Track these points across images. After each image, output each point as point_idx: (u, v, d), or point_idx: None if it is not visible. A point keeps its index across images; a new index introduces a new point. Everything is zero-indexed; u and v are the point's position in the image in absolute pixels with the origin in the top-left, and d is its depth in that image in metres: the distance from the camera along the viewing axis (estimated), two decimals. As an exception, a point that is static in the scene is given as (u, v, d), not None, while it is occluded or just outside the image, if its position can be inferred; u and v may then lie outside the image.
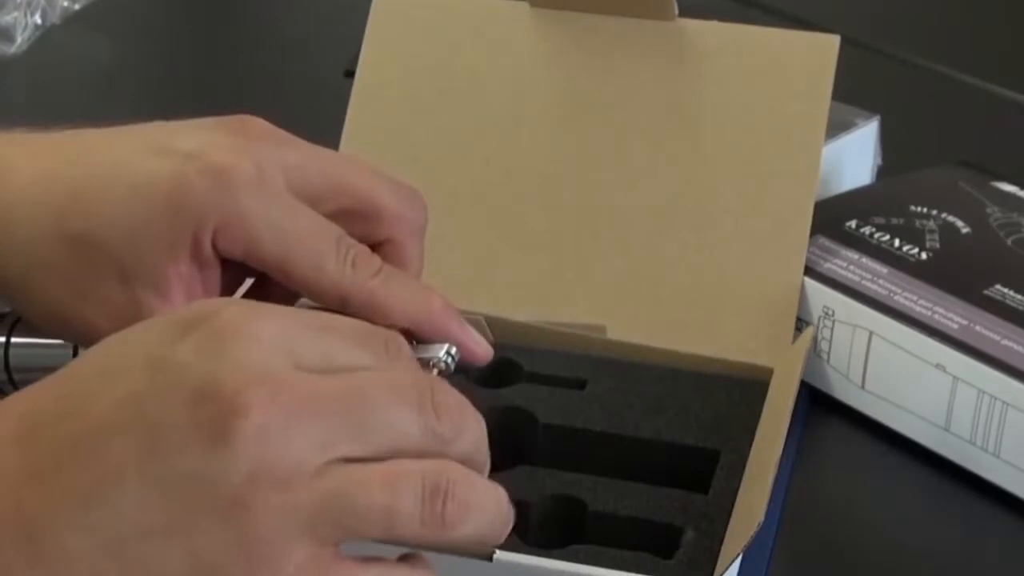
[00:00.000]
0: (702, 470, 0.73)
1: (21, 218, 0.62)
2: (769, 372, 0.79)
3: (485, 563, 0.63)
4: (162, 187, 0.61)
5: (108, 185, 0.61)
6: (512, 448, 0.75)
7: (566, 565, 0.65)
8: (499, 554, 0.63)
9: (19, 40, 1.19)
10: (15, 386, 0.66)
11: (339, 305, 0.61)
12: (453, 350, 0.61)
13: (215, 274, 0.62)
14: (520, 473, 0.72)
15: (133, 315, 0.60)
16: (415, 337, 0.61)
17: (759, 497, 0.67)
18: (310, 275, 0.61)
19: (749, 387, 0.78)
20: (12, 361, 0.67)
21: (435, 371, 0.60)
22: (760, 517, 0.66)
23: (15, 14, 1.23)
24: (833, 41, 0.84)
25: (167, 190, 0.60)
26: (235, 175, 0.60)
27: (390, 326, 0.56)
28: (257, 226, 0.60)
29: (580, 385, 0.79)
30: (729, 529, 0.68)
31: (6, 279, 0.63)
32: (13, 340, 0.67)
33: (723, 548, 0.67)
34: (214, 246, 0.61)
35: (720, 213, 0.84)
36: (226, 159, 0.61)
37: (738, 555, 0.64)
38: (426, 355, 0.60)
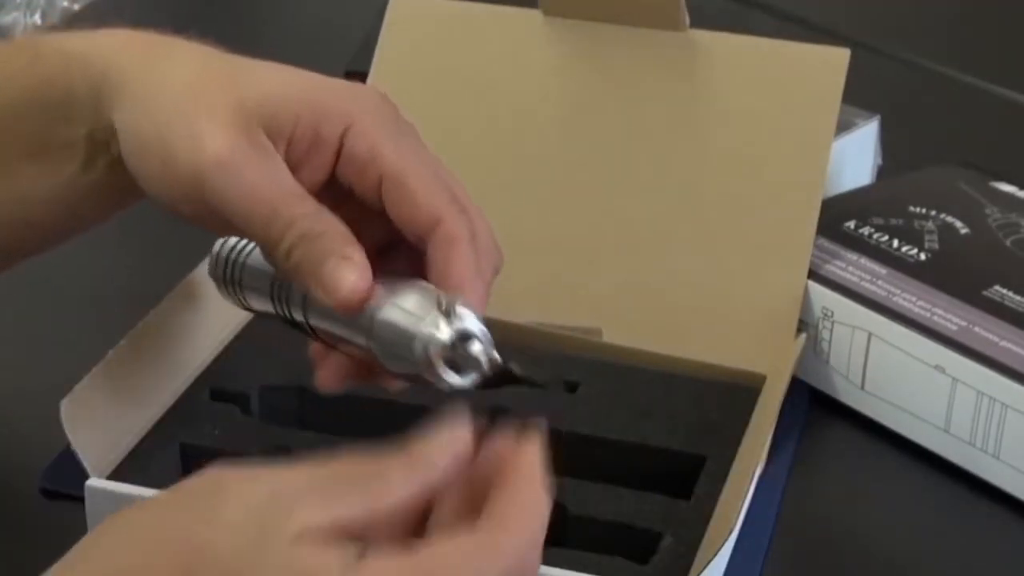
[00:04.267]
0: (687, 476, 0.73)
1: None
2: (763, 379, 0.79)
3: None
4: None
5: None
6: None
7: None
8: None
9: (19, 40, 1.19)
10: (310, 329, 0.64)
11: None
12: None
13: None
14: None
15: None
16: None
17: (735, 504, 0.67)
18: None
19: (742, 393, 0.78)
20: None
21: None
22: (733, 524, 0.65)
23: (15, 14, 1.23)
24: (843, 55, 0.84)
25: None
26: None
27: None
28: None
29: (572, 388, 0.78)
30: (705, 536, 0.68)
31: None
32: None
33: (697, 555, 0.67)
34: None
35: (725, 224, 0.84)
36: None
37: (709, 562, 0.64)
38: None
